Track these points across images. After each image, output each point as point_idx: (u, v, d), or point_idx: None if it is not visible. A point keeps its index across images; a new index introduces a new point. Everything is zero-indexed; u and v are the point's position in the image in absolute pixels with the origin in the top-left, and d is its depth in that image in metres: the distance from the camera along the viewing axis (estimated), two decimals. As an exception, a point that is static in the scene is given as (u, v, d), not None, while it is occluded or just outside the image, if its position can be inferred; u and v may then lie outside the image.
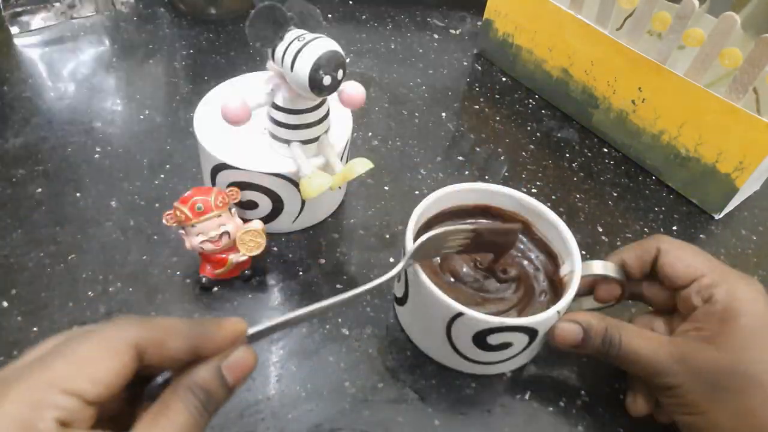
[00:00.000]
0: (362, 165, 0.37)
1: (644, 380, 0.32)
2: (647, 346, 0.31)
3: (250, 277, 0.40)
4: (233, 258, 0.38)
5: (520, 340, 0.33)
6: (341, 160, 0.42)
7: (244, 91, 0.38)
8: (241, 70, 0.46)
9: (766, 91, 0.46)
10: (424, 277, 0.33)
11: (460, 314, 0.32)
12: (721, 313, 0.31)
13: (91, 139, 0.49)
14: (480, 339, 0.33)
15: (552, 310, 0.32)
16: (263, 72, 0.45)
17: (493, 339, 0.33)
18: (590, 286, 0.37)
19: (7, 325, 0.36)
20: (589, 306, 0.38)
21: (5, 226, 0.41)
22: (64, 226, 0.42)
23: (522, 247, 0.39)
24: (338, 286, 0.40)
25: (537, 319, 0.32)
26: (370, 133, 0.53)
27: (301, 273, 0.41)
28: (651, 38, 0.52)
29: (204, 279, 0.38)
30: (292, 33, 0.34)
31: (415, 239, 0.36)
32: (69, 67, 0.56)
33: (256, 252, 0.38)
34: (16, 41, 0.58)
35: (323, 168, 0.39)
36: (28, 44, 0.58)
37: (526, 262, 0.38)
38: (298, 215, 0.42)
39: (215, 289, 0.39)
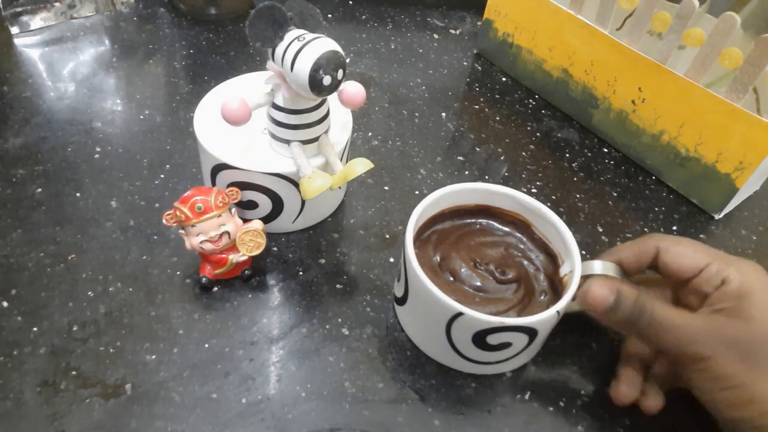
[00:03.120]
0: (362, 165, 0.37)
1: (672, 354, 0.31)
2: (680, 315, 0.31)
3: (250, 277, 0.40)
4: (233, 258, 0.38)
5: (519, 340, 0.33)
6: (341, 160, 0.42)
7: (244, 91, 0.38)
8: (241, 70, 0.46)
9: (766, 91, 0.46)
10: (424, 277, 0.33)
11: (459, 314, 0.32)
12: (737, 291, 0.31)
13: (91, 139, 0.49)
14: (479, 339, 0.33)
15: (552, 310, 0.32)
16: (263, 72, 0.45)
17: (493, 339, 0.33)
18: None
19: (7, 325, 0.36)
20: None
21: (5, 226, 0.41)
22: (64, 226, 0.42)
23: (522, 247, 0.39)
24: (338, 286, 0.40)
25: (536, 319, 0.32)
26: (370, 133, 0.53)
27: (301, 273, 0.41)
28: (651, 38, 0.52)
29: (204, 279, 0.38)
30: (292, 33, 0.34)
31: (415, 239, 0.36)
32: (69, 67, 0.56)
33: (256, 252, 0.38)
34: (16, 41, 0.58)
35: (323, 168, 0.39)
36: (28, 44, 0.58)
37: (526, 262, 0.38)
38: (298, 215, 0.42)
39: (215, 289, 0.39)
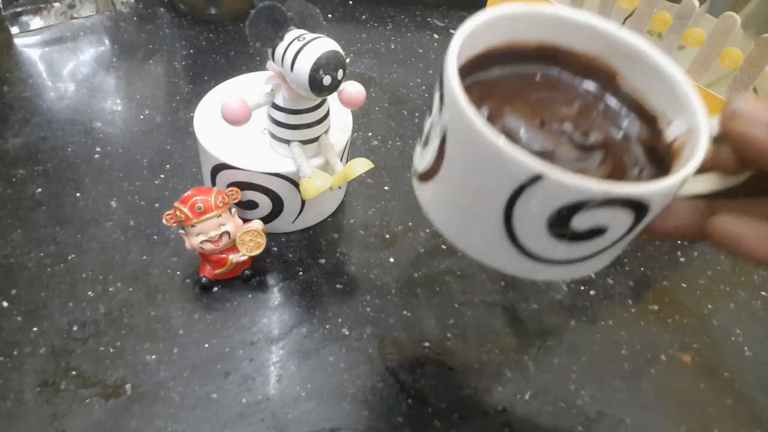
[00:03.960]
0: (362, 165, 0.37)
1: None
2: None
3: (250, 277, 0.40)
4: (233, 258, 0.38)
5: (620, 222, 0.22)
6: (341, 160, 0.42)
7: (244, 91, 0.38)
8: (241, 70, 0.46)
9: (766, 91, 0.46)
10: (477, 120, 0.20)
11: (537, 178, 0.20)
12: None
13: (91, 139, 0.49)
14: (561, 221, 0.21)
15: (675, 177, 0.21)
16: (263, 72, 0.45)
17: (581, 221, 0.21)
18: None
19: (7, 325, 0.36)
20: (700, 189, 0.24)
21: (5, 226, 0.41)
22: (64, 226, 0.42)
23: (603, 107, 0.27)
24: (338, 286, 0.40)
25: (654, 189, 0.20)
26: (370, 133, 0.53)
27: (301, 273, 0.41)
28: (651, 38, 0.52)
29: (204, 279, 0.38)
30: (292, 33, 0.34)
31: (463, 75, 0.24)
32: (69, 67, 0.56)
33: (256, 252, 0.38)
34: (16, 41, 0.58)
35: (323, 168, 0.39)
36: (28, 44, 0.58)
37: (613, 128, 0.26)
38: (298, 215, 0.42)
39: (215, 289, 0.39)
